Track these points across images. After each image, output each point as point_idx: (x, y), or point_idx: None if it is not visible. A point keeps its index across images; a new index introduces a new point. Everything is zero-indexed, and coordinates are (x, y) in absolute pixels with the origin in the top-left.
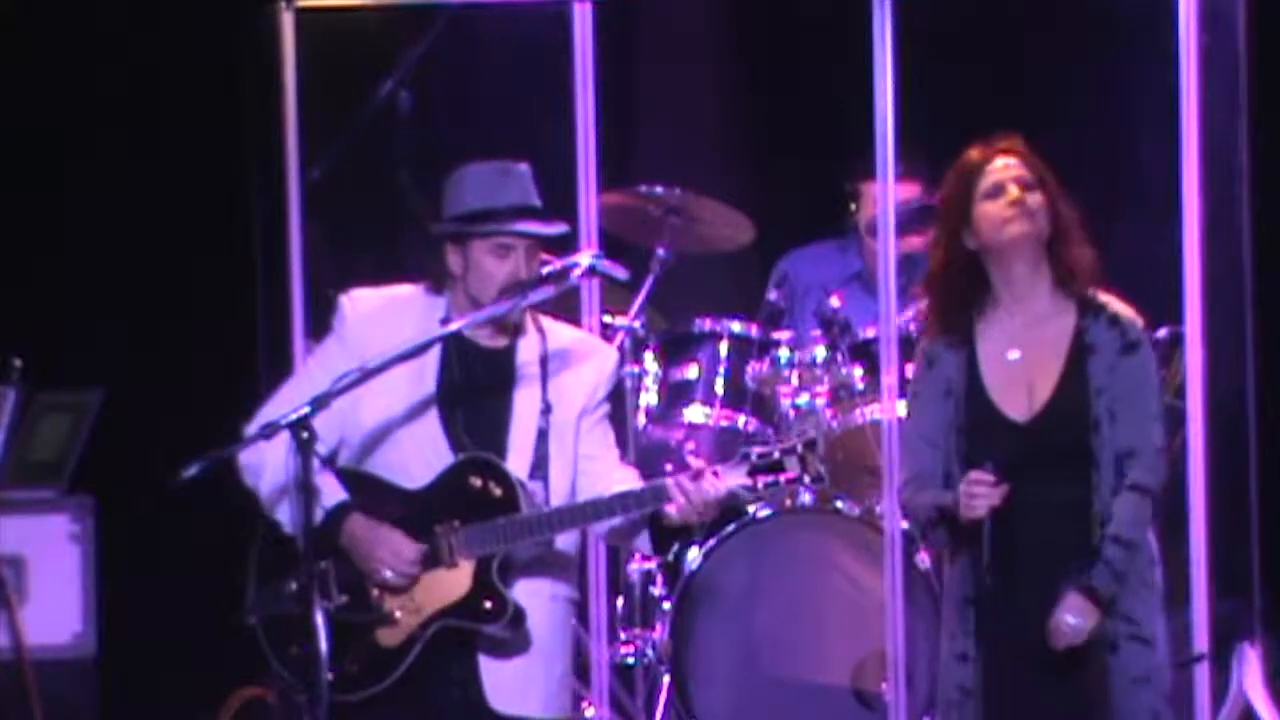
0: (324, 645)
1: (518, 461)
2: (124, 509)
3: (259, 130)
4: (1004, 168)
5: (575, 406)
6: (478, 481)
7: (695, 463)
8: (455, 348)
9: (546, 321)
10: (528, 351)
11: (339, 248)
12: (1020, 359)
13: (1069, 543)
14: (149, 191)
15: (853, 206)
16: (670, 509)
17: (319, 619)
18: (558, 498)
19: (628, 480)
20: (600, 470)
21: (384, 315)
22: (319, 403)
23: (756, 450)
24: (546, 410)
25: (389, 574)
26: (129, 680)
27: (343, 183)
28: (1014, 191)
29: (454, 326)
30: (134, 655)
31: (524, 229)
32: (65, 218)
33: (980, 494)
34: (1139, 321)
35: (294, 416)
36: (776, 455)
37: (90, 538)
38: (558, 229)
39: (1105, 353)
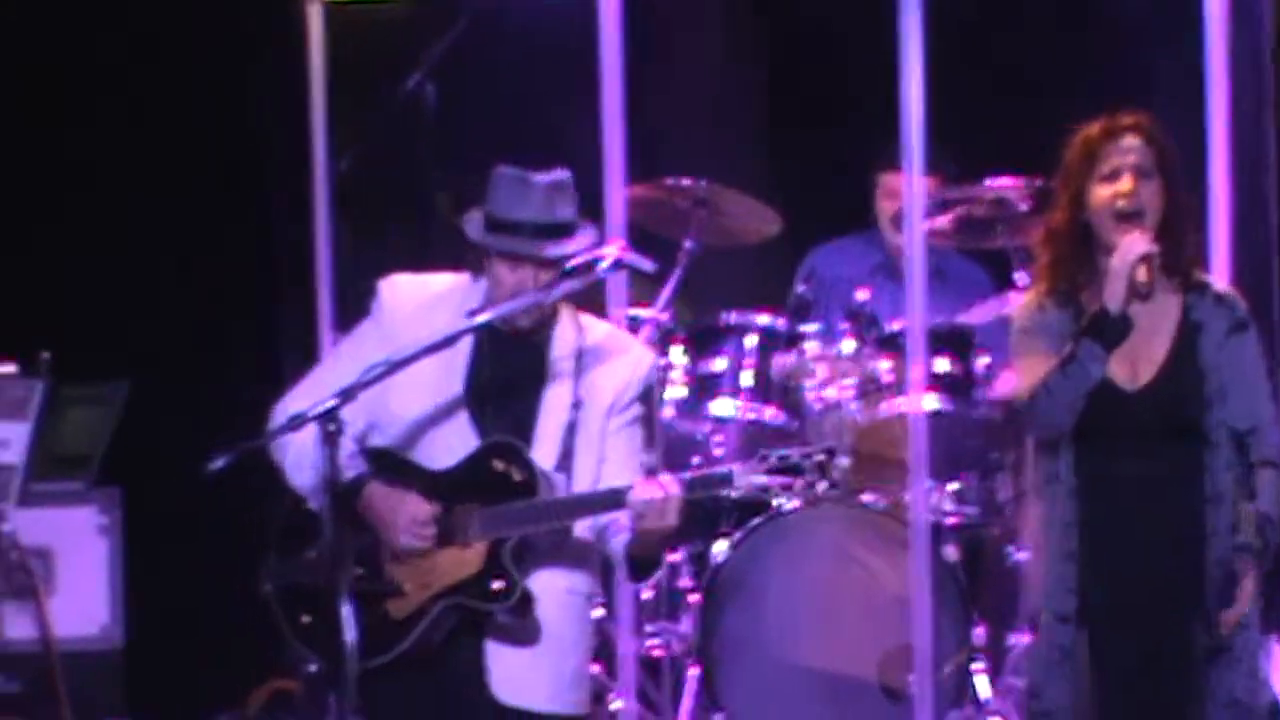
0: (351, 627)
1: (544, 453)
2: (151, 501)
3: (286, 123)
4: (1124, 150)
5: (605, 403)
6: (499, 465)
7: (665, 478)
8: (487, 337)
9: (585, 318)
10: (562, 345)
11: (364, 240)
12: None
13: (1172, 518)
14: (176, 185)
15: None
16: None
17: (347, 607)
18: (581, 490)
19: None
20: (613, 475)
21: (421, 303)
22: (347, 395)
23: (776, 454)
24: (576, 405)
25: (404, 537)
26: (156, 672)
27: (369, 176)
28: (1127, 183)
29: (480, 319)
30: (161, 647)
31: (530, 251)
32: (91, 211)
33: (1140, 238)
34: (1242, 301)
35: (321, 409)
36: (795, 459)
37: (118, 530)
38: (566, 249)
39: (1213, 331)
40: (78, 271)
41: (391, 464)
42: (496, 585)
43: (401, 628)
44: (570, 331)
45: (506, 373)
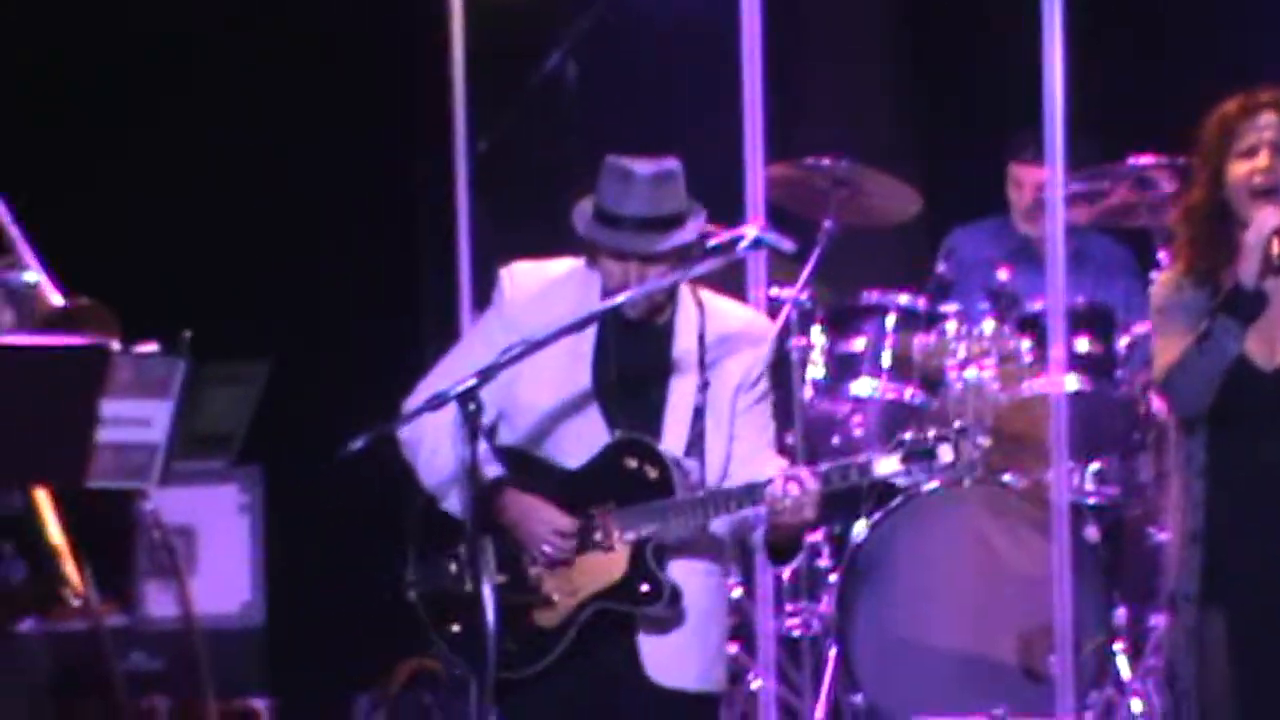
0: (492, 622)
1: (673, 438)
2: (291, 480)
3: (427, 102)
4: (1261, 127)
5: (733, 383)
6: (633, 463)
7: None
8: (612, 323)
9: (705, 295)
10: (685, 328)
11: (504, 220)
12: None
13: None
14: (315, 164)
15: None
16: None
17: (488, 595)
18: (713, 474)
19: (770, 469)
20: (746, 454)
21: (542, 290)
22: (486, 374)
23: (910, 438)
24: (704, 387)
25: (548, 549)
26: (297, 649)
27: (509, 155)
28: (1264, 159)
29: (620, 299)
30: (302, 624)
31: (632, 247)
32: (231, 192)
33: (1275, 212)
34: None
35: (461, 388)
36: (930, 442)
37: (259, 508)
38: (671, 242)
39: None
40: (223, 252)
41: (524, 464)
42: (645, 588)
43: (552, 636)
44: (692, 313)
45: (632, 360)
